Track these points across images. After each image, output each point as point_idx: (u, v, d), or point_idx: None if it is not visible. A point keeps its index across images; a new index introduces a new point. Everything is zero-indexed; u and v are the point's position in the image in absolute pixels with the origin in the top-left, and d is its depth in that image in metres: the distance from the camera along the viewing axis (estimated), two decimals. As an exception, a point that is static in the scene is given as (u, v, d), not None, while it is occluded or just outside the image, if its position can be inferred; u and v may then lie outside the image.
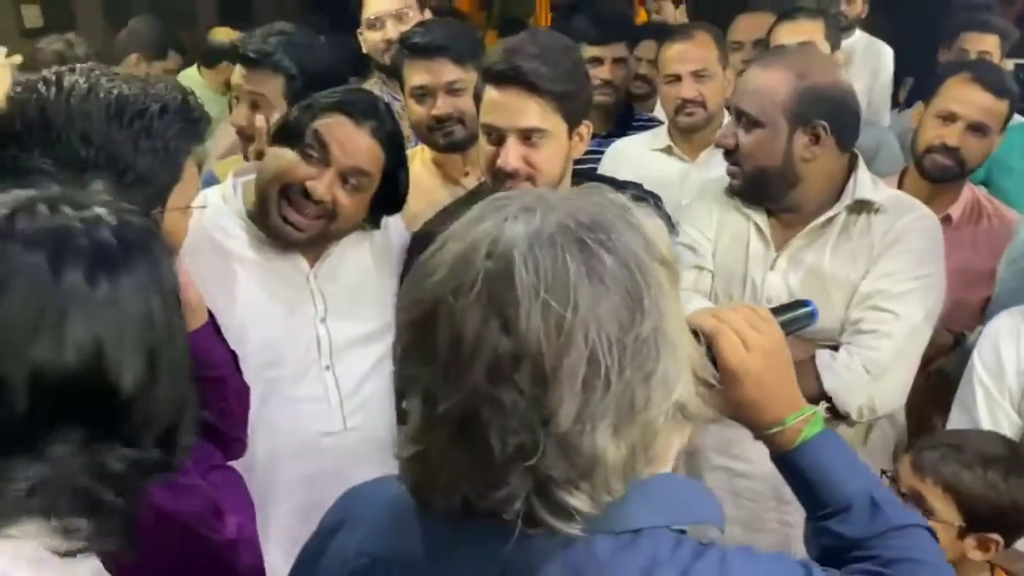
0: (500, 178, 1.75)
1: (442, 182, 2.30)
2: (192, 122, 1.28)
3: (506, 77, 1.70)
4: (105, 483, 0.82)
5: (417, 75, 2.19)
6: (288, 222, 1.68)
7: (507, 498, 0.71)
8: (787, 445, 1.02)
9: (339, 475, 1.79)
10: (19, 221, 0.82)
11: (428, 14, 2.72)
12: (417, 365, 0.74)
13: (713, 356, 0.98)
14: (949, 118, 2.24)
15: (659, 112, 2.91)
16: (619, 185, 2.01)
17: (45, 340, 0.78)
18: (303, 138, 1.67)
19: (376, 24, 2.65)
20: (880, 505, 1.00)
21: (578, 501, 0.71)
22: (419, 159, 2.36)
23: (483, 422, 0.70)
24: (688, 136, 2.59)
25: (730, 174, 1.87)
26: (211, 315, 1.46)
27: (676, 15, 4.03)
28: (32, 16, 6.07)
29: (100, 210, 0.87)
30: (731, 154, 1.84)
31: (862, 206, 1.82)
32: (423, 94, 2.19)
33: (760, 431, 1.04)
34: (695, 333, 0.95)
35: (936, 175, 2.28)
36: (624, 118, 2.89)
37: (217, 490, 1.36)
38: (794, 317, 1.16)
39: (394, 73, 2.57)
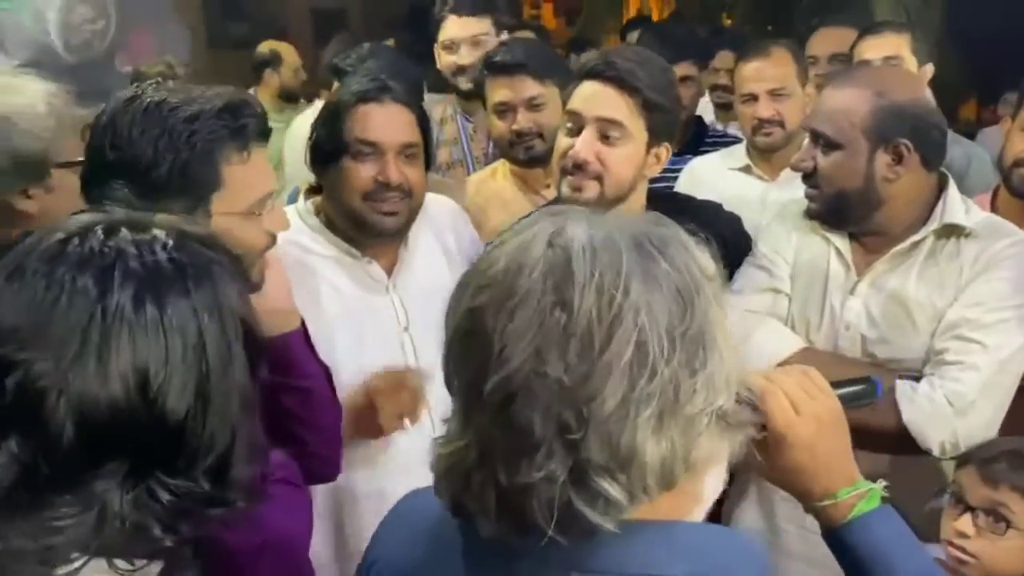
0: (568, 169, 1.75)
1: (523, 195, 2.34)
2: (231, 128, 1.26)
3: (599, 71, 1.73)
4: (153, 516, 0.79)
5: (499, 92, 2.26)
6: (385, 213, 1.74)
7: (545, 479, 0.71)
8: (838, 520, 1.00)
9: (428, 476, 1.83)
10: (71, 244, 0.81)
11: (505, 35, 2.75)
12: (469, 352, 0.75)
13: (762, 418, 0.96)
14: None
15: (735, 126, 2.86)
16: (697, 204, 1.98)
17: (89, 367, 0.76)
18: (348, 147, 1.73)
19: (452, 48, 2.69)
20: None
21: (615, 491, 0.71)
22: (500, 172, 2.41)
23: (530, 396, 0.71)
24: (767, 155, 2.53)
25: (809, 198, 1.80)
26: (304, 326, 1.48)
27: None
28: (138, 40, 6.43)
29: (158, 232, 0.85)
30: (809, 177, 1.78)
31: (951, 230, 1.73)
32: (504, 110, 2.26)
33: (810, 502, 1.01)
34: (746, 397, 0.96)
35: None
36: (697, 136, 2.84)
37: (269, 500, 1.38)
38: (854, 392, 1.12)
39: (468, 94, 2.61)
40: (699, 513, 0.82)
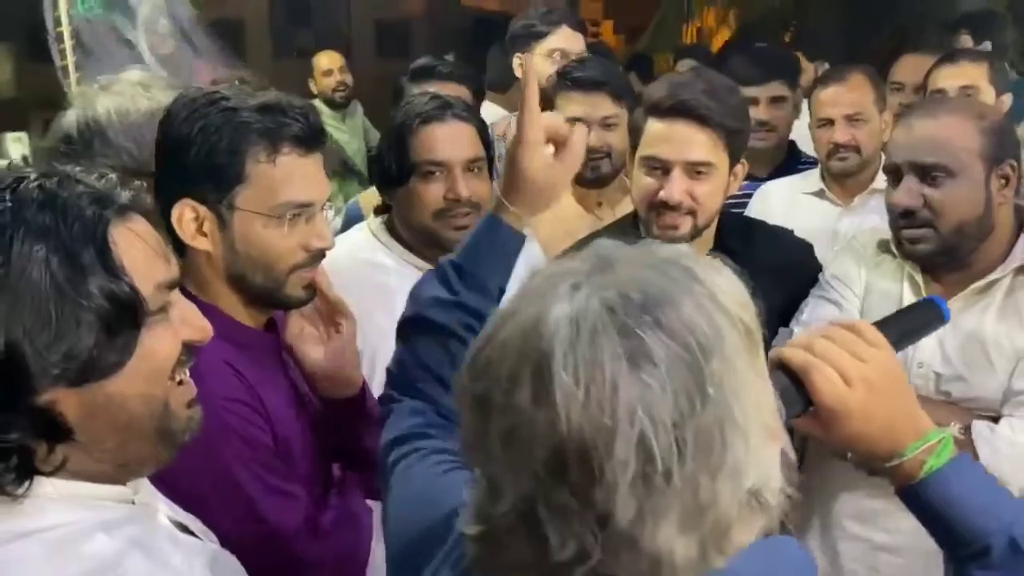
0: (659, 211, 1.75)
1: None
2: (265, 126, 1.28)
3: (676, 110, 1.70)
4: None
5: (574, 106, 2.26)
6: (457, 228, 1.75)
7: None
8: (910, 478, 0.94)
9: None
10: None
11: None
12: (478, 448, 0.70)
13: (807, 394, 0.91)
14: None
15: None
16: (768, 230, 1.96)
17: None
18: (416, 168, 1.76)
19: (563, 57, 2.71)
20: (1023, 548, 0.90)
21: None
22: None
23: (541, 521, 0.66)
24: (842, 180, 2.49)
25: (915, 239, 1.67)
26: (363, 388, 1.49)
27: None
28: (208, 46, 6.59)
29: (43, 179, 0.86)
30: (912, 215, 1.65)
31: None
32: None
33: (878, 465, 0.96)
34: (785, 369, 0.91)
35: None
36: (789, 161, 2.80)
37: (331, 511, 1.39)
38: (916, 325, 1.05)
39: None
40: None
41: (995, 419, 1.63)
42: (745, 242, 1.86)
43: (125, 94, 1.70)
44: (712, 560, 0.68)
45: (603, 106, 2.24)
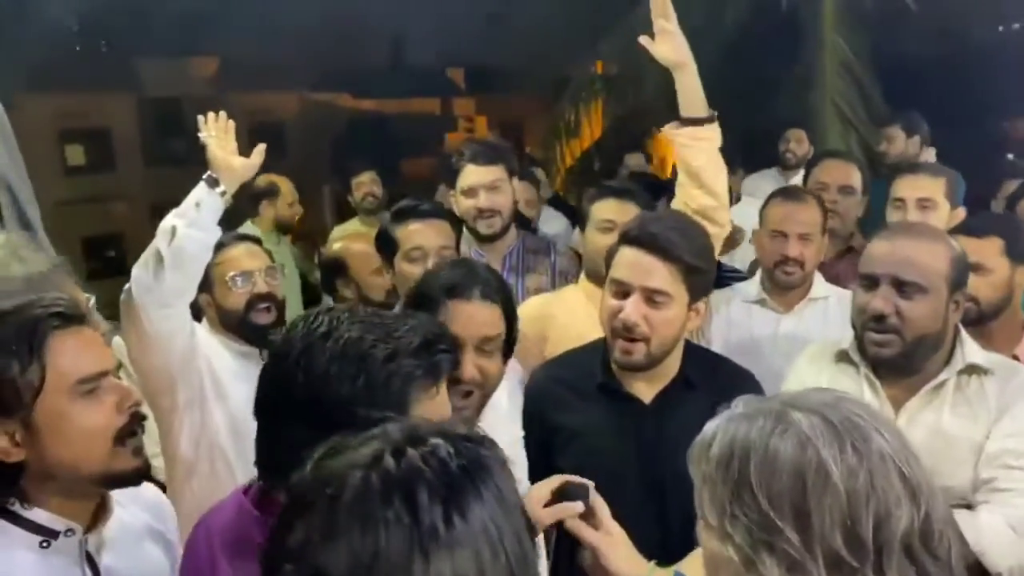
0: (617, 331, 1.85)
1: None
2: (426, 366, 1.23)
3: (641, 240, 1.83)
4: None
5: (607, 210, 2.60)
6: (457, 409, 1.77)
7: None
8: None
9: None
10: (371, 478, 0.85)
11: (516, 182, 2.97)
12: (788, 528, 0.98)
13: None
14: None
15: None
16: (734, 367, 2.05)
17: None
18: None
19: (471, 193, 2.86)
20: None
21: None
22: (583, 289, 2.60)
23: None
24: (782, 291, 2.67)
25: (881, 343, 1.89)
26: None
27: None
28: (75, 156, 6.27)
29: (435, 440, 0.88)
30: (884, 320, 1.87)
31: (972, 369, 1.92)
32: (611, 228, 2.51)
33: None
34: None
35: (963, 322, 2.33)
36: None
37: None
38: None
39: (486, 238, 2.87)
40: None
41: (967, 507, 1.84)
42: (705, 375, 1.95)
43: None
44: None
45: (630, 210, 2.49)
